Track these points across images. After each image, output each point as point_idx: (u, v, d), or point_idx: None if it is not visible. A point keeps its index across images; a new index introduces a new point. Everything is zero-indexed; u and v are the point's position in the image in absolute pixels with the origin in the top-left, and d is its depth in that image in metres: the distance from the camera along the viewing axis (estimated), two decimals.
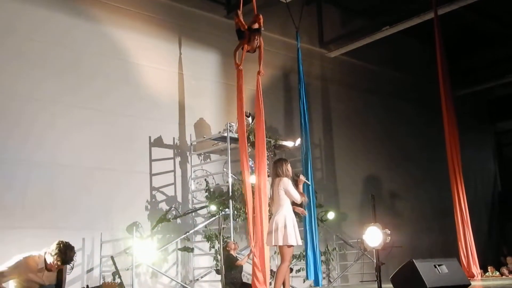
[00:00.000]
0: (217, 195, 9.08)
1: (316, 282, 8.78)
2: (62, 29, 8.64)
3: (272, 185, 6.85)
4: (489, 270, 12.06)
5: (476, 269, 9.62)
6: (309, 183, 7.94)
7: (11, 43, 8.09)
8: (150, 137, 9.27)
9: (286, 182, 6.69)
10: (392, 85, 14.05)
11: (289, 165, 6.93)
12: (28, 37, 8.26)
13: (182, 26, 10.12)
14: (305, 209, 7.71)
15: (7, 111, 7.88)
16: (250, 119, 9.63)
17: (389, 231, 8.13)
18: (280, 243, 6.47)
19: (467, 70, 14.99)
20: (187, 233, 8.83)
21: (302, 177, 6.98)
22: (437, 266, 6.97)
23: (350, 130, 12.71)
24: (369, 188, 12.28)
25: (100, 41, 9.03)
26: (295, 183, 6.90)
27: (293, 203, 6.83)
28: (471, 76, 15.13)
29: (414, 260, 6.84)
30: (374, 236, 8.91)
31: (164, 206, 9.16)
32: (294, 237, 6.52)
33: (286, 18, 9.95)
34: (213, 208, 8.51)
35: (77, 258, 7.48)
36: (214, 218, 8.63)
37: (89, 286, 6.27)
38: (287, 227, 6.49)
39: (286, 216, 6.57)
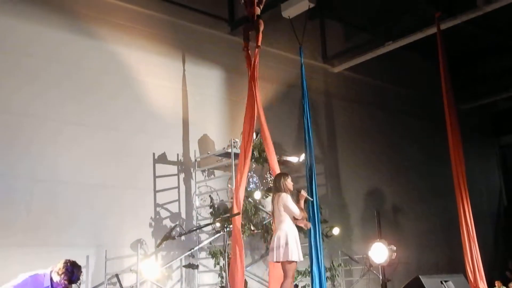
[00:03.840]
0: (222, 212, 9.04)
1: None
2: (66, 46, 8.69)
3: (272, 200, 6.81)
4: (496, 285, 11.94)
5: (483, 285, 9.53)
6: (311, 199, 7.88)
7: (13, 59, 8.13)
8: (154, 154, 9.26)
9: (285, 197, 6.64)
10: (396, 99, 14.05)
11: (289, 179, 6.87)
12: (31, 53, 8.30)
13: (185, 43, 10.15)
14: (309, 221, 7.65)
15: (20, 131, 7.93)
16: (254, 134, 9.60)
17: (394, 247, 8.10)
18: (281, 259, 6.43)
19: (471, 84, 14.97)
20: (192, 250, 8.79)
21: (303, 193, 6.90)
22: (443, 282, 6.94)
23: (354, 145, 12.69)
24: (374, 202, 12.24)
25: (104, 58, 9.07)
26: (297, 199, 6.86)
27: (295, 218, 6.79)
28: (475, 90, 15.12)
29: (420, 276, 6.81)
30: (379, 252, 8.89)
31: (168, 223, 9.14)
32: (297, 253, 6.48)
33: (289, 34, 9.97)
34: (218, 224, 8.49)
35: (82, 276, 7.49)
36: (218, 234, 8.60)
37: None
38: (288, 243, 6.44)
39: (287, 232, 6.53)
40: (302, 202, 6.87)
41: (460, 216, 9.74)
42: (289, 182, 6.89)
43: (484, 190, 16.03)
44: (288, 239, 6.46)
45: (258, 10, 8.27)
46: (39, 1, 8.54)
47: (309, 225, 7.28)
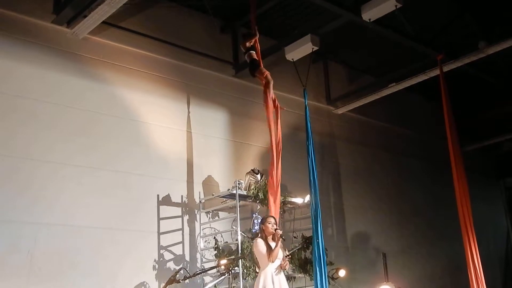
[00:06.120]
0: (226, 253, 8.96)
1: None
2: (73, 91, 8.75)
3: None
4: None
5: None
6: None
7: (24, 106, 8.18)
8: (158, 196, 9.23)
9: (255, 242, 6.78)
10: (400, 141, 14.07)
11: (267, 222, 6.99)
12: (41, 99, 8.35)
13: (190, 86, 10.24)
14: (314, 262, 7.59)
15: (19, 174, 7.87)
16: (258, 176, 9.61)
17: None
18: None
19: (475, 125, 15.01)
20: None
21: (277, 232, 6.96)
22: None
23: (359, 186, 12.65)
24: (380, 244, 12.11)
25: (110, 102, 9.12)
26: (277, 239, 6.90)
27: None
28: (479, 131, 15.15)
29: None
30: None
31: (172, 265, 9.03)
32: None
33: (293, 76, 10.10)
34: (223, 261, 8.38)
35: None
36: (223, 277, 8.48)
37: None
38: None
39: (260, 277, 6.67)
40: (278, 243, 6.90)
41: (468, 259, 9.61)
42: (266, 225, 6.96)
43: (491, 232, 15.88)
44: (260, 284, 6.56)
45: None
46: (41, 44, 8.60)
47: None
